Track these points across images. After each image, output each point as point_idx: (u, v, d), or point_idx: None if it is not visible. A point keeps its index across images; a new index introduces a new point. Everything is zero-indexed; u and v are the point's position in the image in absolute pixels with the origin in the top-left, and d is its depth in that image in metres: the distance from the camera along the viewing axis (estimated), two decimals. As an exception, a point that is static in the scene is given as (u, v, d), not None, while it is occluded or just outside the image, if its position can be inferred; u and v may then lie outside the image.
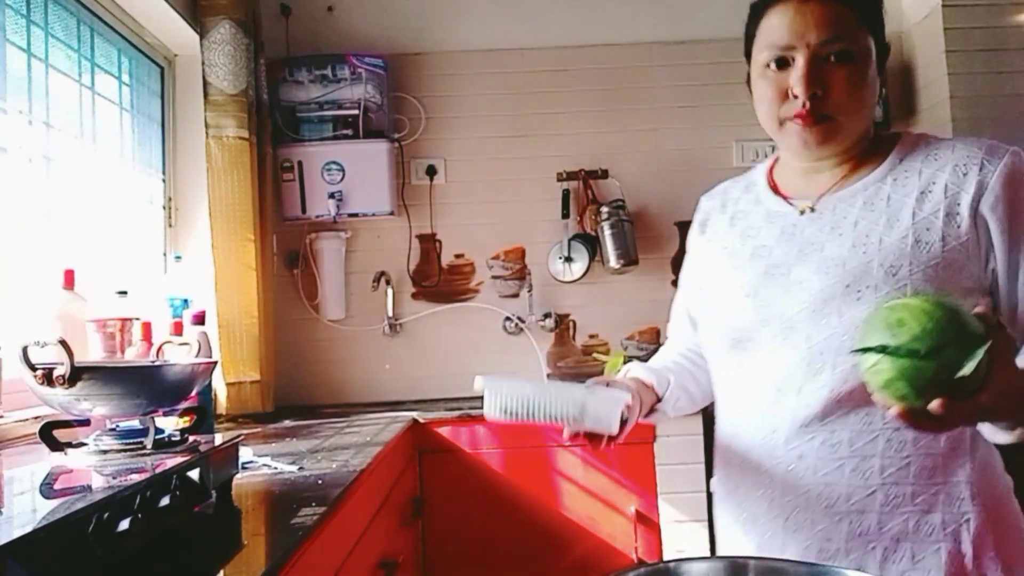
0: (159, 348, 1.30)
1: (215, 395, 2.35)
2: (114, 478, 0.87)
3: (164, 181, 2.59)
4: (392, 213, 2.74)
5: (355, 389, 2.83)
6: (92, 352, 1.72)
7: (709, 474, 2.06)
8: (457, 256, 2.90)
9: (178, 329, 1.82)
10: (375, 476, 1.62)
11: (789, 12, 1.00)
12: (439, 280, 2.88)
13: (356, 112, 2.67)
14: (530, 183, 2.88)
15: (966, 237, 0.95)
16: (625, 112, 2.90)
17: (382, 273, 2.81)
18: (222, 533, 1.05)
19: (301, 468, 1.47)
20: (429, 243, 2.89)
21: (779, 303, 1.01)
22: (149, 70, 2.55)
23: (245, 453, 1.58)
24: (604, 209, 2.76)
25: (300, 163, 2.67)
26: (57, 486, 0.90)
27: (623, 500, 2.24)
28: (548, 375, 2.84)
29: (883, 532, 0.95)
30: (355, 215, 2.72)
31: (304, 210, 2.69)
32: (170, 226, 2.61)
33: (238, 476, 1.16)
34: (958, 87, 2.64)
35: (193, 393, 1.10)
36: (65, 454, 0.98)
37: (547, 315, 2.85)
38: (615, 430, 0.97)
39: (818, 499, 0.98)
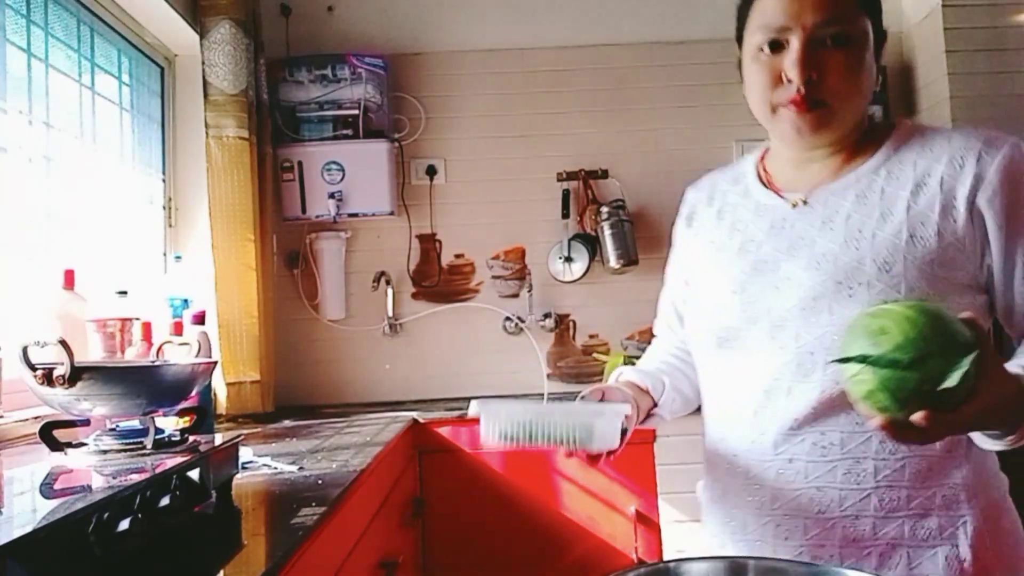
0: (159, 348, 1.30)
1: (215, 395, 2.35)
2: (114, 478, 0.87)
3: (164, 181, 2.59)
4: (392, 213, 2.74)
5: (355, 389, 2.83)
6: (92, 352, 1.72)
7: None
8: (457, 256, 2.90)
9: (178, 329, 1.82)
10: (375, 476, 1.62)
11: None
12: (439, 280, 2.88)
13: (356, 112, 2.67)
14: (530, 183, 2.88)
15: (962, 232, 0.92)
16: (625, 112, 2.90)
17: (382, 273, 2.81)
18: (222, 533, 1.05)
19: (301, 468, 1.47)
20: (429, 243, 2.89)
21: (767, 300, 0.97)
22: (149, 70, 2.55)
23: (245, 453, 1.58)
24: (604, 209, 2.76)
25: (300, 163, 2.67)
26: (57, 486, 0.90)
27: (623, 500, 2.24)
28: (548, 375, 2.84)
29: (878, 538, 0.91)
30: (355, 215, 2.72)
31: (304, 210, 2.69)
32: (170, 226, 2.61)
33: (238, 476, 1.16)
34: (958, 87, 2.64)
35: (193, 393, 1.10)
36: (65, 454, 0.98)
37: (547, 315, 2.86)
38: (616, 444, 0.94)
39: (810, 504, 0.94)
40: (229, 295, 2.40)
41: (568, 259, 2.81)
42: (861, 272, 0.91)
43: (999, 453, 0.91)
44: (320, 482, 1.34)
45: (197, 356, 1.24)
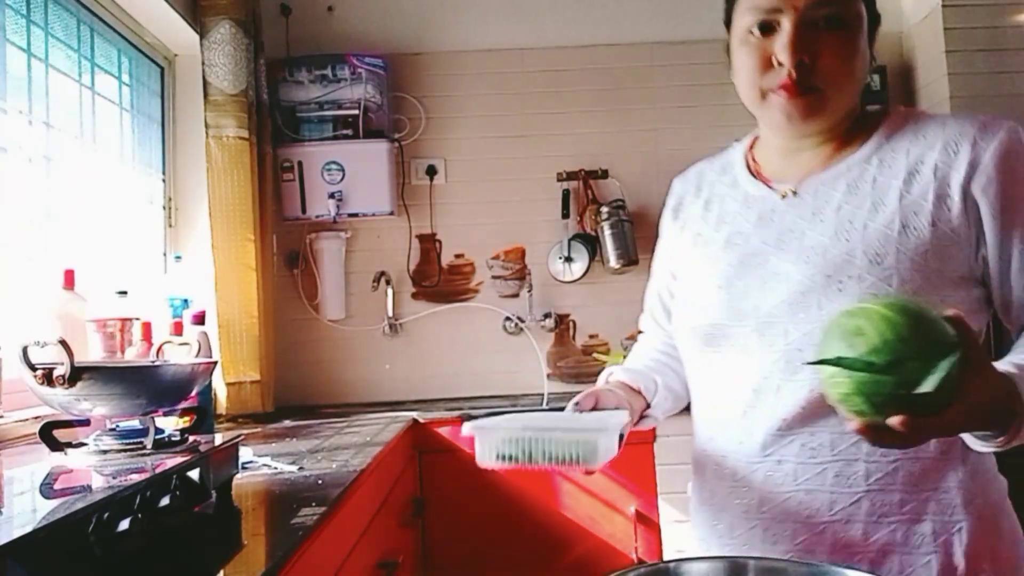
0: (159, 348, 1.30)
1: (215, 395, 2.35)
2: (114, 478, 0.87)
3: (164, 181, 2.59)
4: (392, 213, 2.74)
5: (355, 389, 2.83)
6: (92, 352, 1.72)
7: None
8: (457, 256, 2.90)
9: (178, 329, 1.82)
10: (375, 476, 1.62)
11: None
12: (439, 280, 2.88)
13: (356, 112, 2.67)
14: (530, 183, 2.88)
15: (957, 222, 0.87)
16: (625, 112, 2.90)
17: (382, 273, 2.81)
18: (222, 533, 1.05)
19: (301, 468, 1.47)
20: (429, 243, 2.89)
21: (755, 296, 0.93)
22: (149, 70, 2.55)
23: (245, 453, 1.58)
24: (604, 209, 2.76)
25: (300, 163, 2.67)
26: (57, 486, 0.90)
27: (623, 500, 2.24)
28: (548, 375, 2.84)
29: (869, 543, 0.87)
30: (355, 215, 2.72)
31: (304, 210, 2.69)
32: (170, 226, 2.61)
33: (238, 476, 1.16)
34: (958, 87, 2.64)
35: (193, 393, 1.10)
36: (65, 454, 0.97)
37: (547, 315, 2.86)
38: (615, 453, 0.89)
39: (798, 508, 0.90)
40: (229, 295, 2.40)
41: (568, 259, 2.81)
42: (851, 265, 0.87)
43: (997, 454, 0.86)
44: (320, 482, 1.34)
45: (197, 356, 1.24)
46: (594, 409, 0.99)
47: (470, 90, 2.90)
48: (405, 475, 2.11)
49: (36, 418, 1.56)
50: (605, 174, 2.88)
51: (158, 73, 2.61)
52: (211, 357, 1.80)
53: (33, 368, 0.92)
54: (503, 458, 0.85)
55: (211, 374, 1.71)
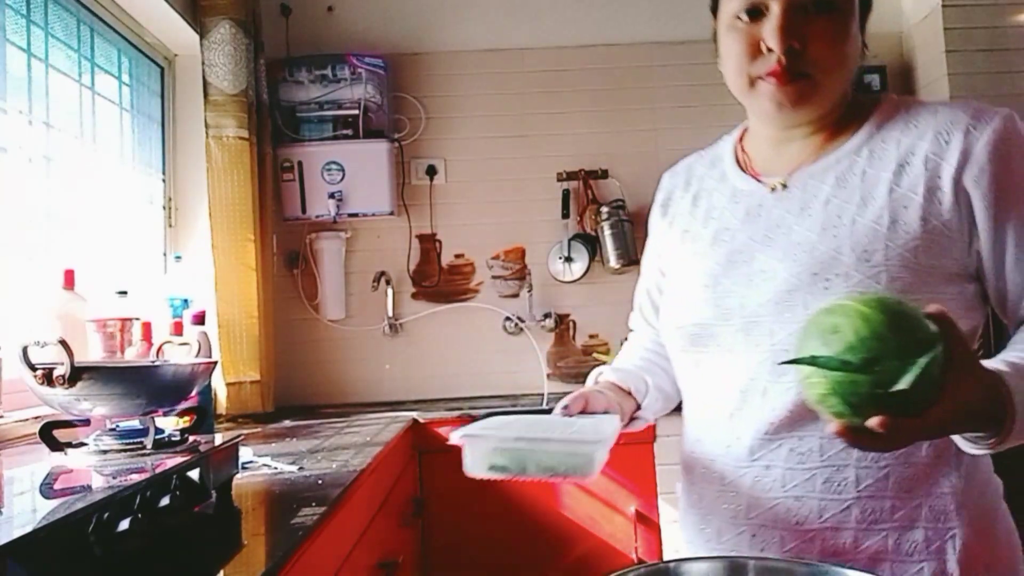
0: (159, 348, 1.30)
1: (215, 395, 2.35)
2: (114, 478, 0.87)
3: (164, 181, 2.59)
4: (392, 213, 2.74)
5: (355, 389, 2.83)
6: (92, 352, 1.72)
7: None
8: (457, 256, 2.90)
9: (178, 329, 1.82)
10: (375, 476, 1.62)
11: None
12: (439, 280, 2.88)
13: (356, 112, 2.67)
14: (530, 183, 2.88)
15: (948, 215, 0.83)
16: (625, 112, 2.90)
17: (382, 273, 2.81)
18: (222, 533, 1.05)
19: (301, 468, 1.47)
20: (429, 243, 2.89)
21: (740, 294, 0.90)
22: (149, 70, 2.55)
23: (245, 453, 1.58)
24: (604, 209, 2.77)
25: (300, 163, 2.67)
26: (57, 486, 0.90)
27: (623, 500, 2.24)
28: (548, 375, 2.84)
29: (859, 551, 0.84)
30: (355, 215, 2.73)
31: (304, 210, 2.69)
32: (170, 226, 2.61)
33: (238, 476, 1.16)
34: (958, 87, 2.64)
35: (193, 393, 1.10)
36: (65, 454, 0.97)
37: (547, 315, 2.86)
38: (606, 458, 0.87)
39: (787, 515, 0.87)
40: (229, 295, 2.40)
41: (568, 259, 2.81)
42: (838, 263, 0.84)
43: (994, 455, 0.84)
44: (320, 482, 1.34)
45: (197, 356, 1.23)
46: (583, 412, 0.96)
47: (470, 90, 2.90)
48: (405, 475, 2.11)
49: (36, 418, 1.56)
50: (605, 174, 2.88)
51: (158, 73, 2.61)
52: (211, 357, 1.79)
53: (33, 368, 0.92)
54: (495, 468, 0.82)
55: (211, 374, 1.71)
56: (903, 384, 0.63)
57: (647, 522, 2.23)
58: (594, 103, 2.90)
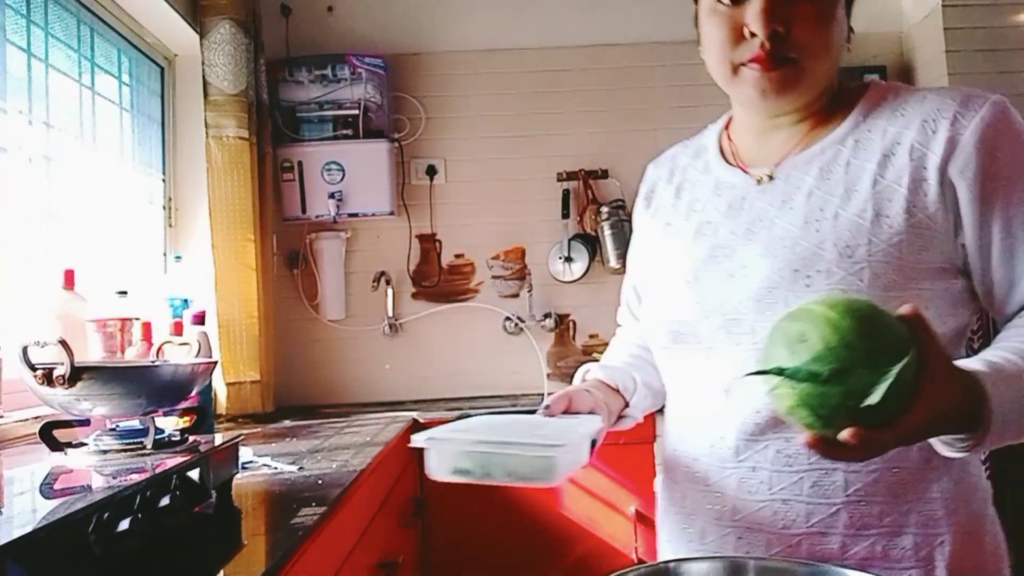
0: (159, 348, 1.30)
1: (215, 395, 2.35)
2: (114, 478, 0.87)
3: (164, 181, 2.59)
4: (392, 213, 2.74)
5: (355, 389, 2.83)
6: (92, 352, 1.72)
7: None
8: (457, 256, 2.90)
9: (178, 329, 1.82)
10: (375, 476, 1.62)
11: None
12: (439, 280, 2.88)
13: (356, 112, 2.67)
14: (530, 183, 2.88)
15: (934, 207, 0.80)
16: (625, 112, 2.90)
17: (382, 273, 2.81)
18: (222, 533, 1.05)
19: (301, 468, 1.47)
20: (429, 243, 2.89)
21: (722, 291, 0.87)
22: (149, 70, 2.55)
23: (245, 453, 1.58)
24: (604, 209, 2.77)
25: (300, 163, 2.67)
26: (57, 486, 0.90)
27: (623, 500, 2.24)
28: (548, 375, 2.84)
29: (847, 557, 0.81)
30: (355, 215, 2.73)
31: (304, 210, 2.69)
32: (170, 226, 2.61)
33: (238, 476, 1.16)
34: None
35: (193, 393, 1.10)
36: (65, 454, 0.97)
37: (547, 315, 2.86)
38: (584, 461, 0.85)
39: (774, 518, 0.84)
40: (229, 295, 2.40)
41: (568, 259, 2.81)
42: (820, 258, 0.81)
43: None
44: (320, 482, 1.35)
45: (197, 356, 1.24)
46: (567, 412, 0.94)
47: (470, 90, 2.90)
48: (405, 475, 2.11)
49: (36, 418, 1.56)
50: (605, 174, 2.88)
51: (158, 73, 2.61)
52: (211, 357, 1.80)
53: (33, 368, 0.92)
54: (458, 472, 0.79)
55: (211, 374, 1.71)
56: (875, 397, 0.61)
57: (647, 522, 2.23)
58: (594, 103, 2.90)
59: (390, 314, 2.84)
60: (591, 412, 0.96)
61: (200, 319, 1.86)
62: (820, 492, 0.82)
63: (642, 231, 1.08)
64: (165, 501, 0.89)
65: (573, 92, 2.90)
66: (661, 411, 1.07)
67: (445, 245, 2.89)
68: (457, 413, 2.34)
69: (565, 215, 2.84)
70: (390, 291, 2.83)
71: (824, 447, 0.64)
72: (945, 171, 0.80)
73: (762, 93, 0.85)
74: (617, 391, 1.04)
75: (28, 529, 0.66)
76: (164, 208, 2.59)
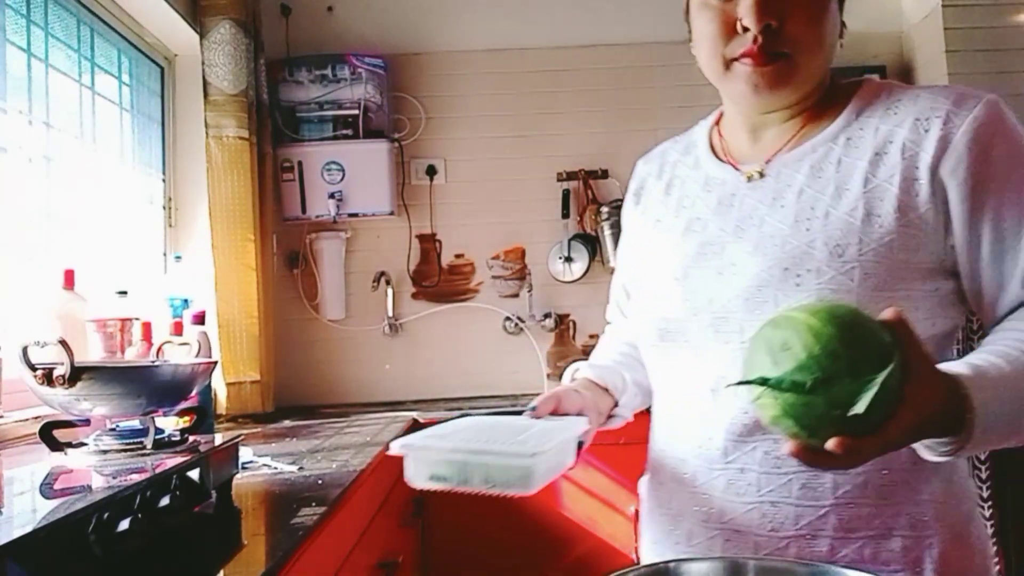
0: (159, 348, 1.30)
1: (215, 395, 2.35)
2: (114, 478, 0.87)
3: (164, 181, 2.59)
4: (392, 213, 2.74)
5: (355, 389, 2.83)
6: (92, 352, 1.72)
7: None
8: (457, 256, 2.90)
9: (178, 329, 1.82)
10: (375, 476, 1.62)
11: None
12: (439, 280, 2.88)
13: (356, 112, 2.67)
14: (530, 183, 2.88)
15: (924, 207, 0.79)
16: (625, 112, 2.90)
17: (382, 273, 2.81)
18: (222, 533, 1.05)
19: (301, 468, 1.47)
20: (429, 243, 2.89)
21: (710, 289, 0.86)
22: (149, 70, 2.55)
23: (245, 453, 1.58)
24: (604, 209, 2.77)
25: (300, 163, 2.68)
26: (57, 486, 0.90)
27: (623, 500, 2.24)
28: (548, 375, 2.84)
29: (835, 559, 0.80)
30: (355, 215, 2.73)
31: (304, 210, 2.69)
32: (170, 226, 2.61)
33: (238, 476, 1.16)
34: (958, 87, 2.64)
35: (193, 393, 1.10)
36: (65, 454, 0.98)
37: (547, 315, 2.86)
38: (570, 463, 0.84)
39: (762, 520, 0.83)
40: (229, 295, 2.40)
41: (568, 259, 2.81)
42: (810, 257, 0.80)
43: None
44: (320, 482, 1.35)
45: (197, 356, 1.24)
46: (555, 413, 0.93)
47: (470, 90, 2.90)
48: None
49: (36, 418, 1.56)
50: (605, 174, 2.88)
51: (158, 73, 2.61)
52: (211, 357, 1.80)
53: (33, 368, 0.92)
54: (435, 479, 0.78)
55: (211, 374, 1.71)
56: (860, 407, 0.60)
57: (647, 522, 2.22)
58: (594, 103, 2.90)
59: (390, 314, 2.84)
60: (579, 413, 0.94)
61: (200, 319, 1.86)
62: (809, 494, 0.81)
63: (632, 228, 1.07)
64: (165, 501, 0.89)
65: (573, 92, 2.90)
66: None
67: (445, 245, 2.89)
68: (457, 413, 2.33)
69: (565, 215, 2.84)
70: (390, 291, 2.83)
71: (809, 456, 0.64)
72: (936, 170, 0.79)
73: (754, 88, 0.84)
74: (606, 390, 1.03)
75: (28, 529, 0.66)
76: (164, 208, 2.59)
